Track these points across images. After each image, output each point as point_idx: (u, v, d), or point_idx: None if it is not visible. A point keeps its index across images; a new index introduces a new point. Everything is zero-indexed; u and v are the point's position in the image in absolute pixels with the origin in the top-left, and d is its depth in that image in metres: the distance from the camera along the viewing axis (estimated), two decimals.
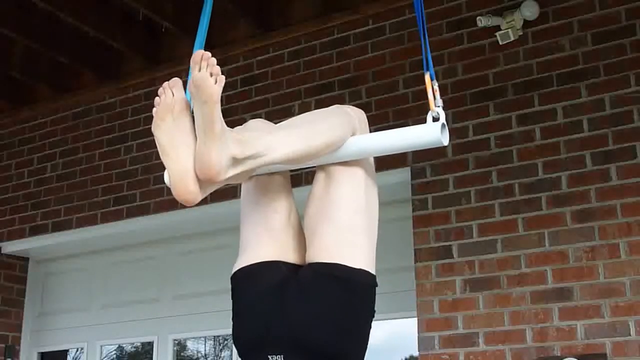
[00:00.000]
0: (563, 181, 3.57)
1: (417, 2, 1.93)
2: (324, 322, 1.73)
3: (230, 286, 1.88)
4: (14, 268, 5.42)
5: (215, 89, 1.61)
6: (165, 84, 1.71)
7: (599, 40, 3.65)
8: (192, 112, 1.69)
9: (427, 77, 1.85)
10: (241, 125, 1.85)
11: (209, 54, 1.63)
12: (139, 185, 4.78)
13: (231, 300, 1.88)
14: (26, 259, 5.50)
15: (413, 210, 3.86)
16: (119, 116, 5.03)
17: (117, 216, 4.83)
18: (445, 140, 1.81)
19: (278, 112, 4.42)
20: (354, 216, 1.81)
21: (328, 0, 4.41)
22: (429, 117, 1.83)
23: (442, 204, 3.80)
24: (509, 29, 3.77)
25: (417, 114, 3.94)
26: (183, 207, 4.52)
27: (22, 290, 5.45)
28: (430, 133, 1.80)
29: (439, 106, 1.83)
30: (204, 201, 1.83)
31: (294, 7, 4.52)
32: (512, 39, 3.79)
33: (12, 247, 5.31)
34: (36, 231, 5.16)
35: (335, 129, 1.83)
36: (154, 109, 1.70)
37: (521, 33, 3.79)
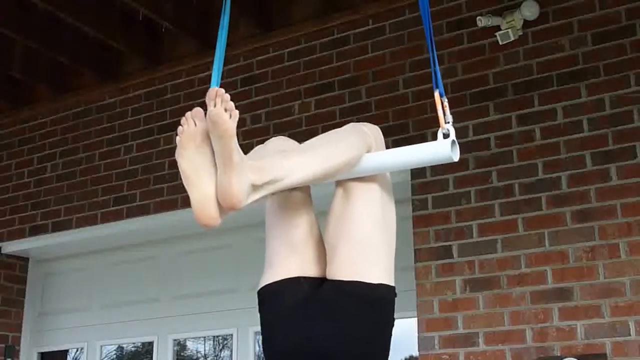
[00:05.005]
0: (563, 181, 3.57)
1: (425, 20, 1.97)
2: (345, 336, 1.79)
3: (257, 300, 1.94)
4: (14, 268, 5.42)
5: (229, 124, 1.69)
6: (188, 113, 1.76)
7: (599, 40, 3.65)
8: None
9: (436, 95, 1.87)
10: (258, 142, 1.87)
11: (222, 90, 1.70)
12: (139, 185, 4.78)
13: (259, 314, 1.94)
14: (26, 259, 5.50)
15: (413, 210, 3.86)
16: (119, 116, 5.02)
17: (117, 216, 4.83)
18: (456, 157, 1.85)
19: (278, 112, 4.42)
20: (372, 231, 1.88)
21: (328, 0, 4.41)
22: (440, 134, 1.87)
23: (442, 204, 3.80)
24: (509, 29, 3.77)
25: (417, 114, 3.94)
26: (183, 207, 4.53)
27: (22, 290, 5.45)
28: (441, 150, 1.85)
29: (448, 122, 1.86)
30: None
31: (294, 7, 4.52)
32: (512, 39, 3.79)
33: (12, 247, 5.31)
34: (36, 231, 5.16)
35: (351, 148, 1.88)
36: (177, 138, 1.74)
37: (521, 33, 3.79)
